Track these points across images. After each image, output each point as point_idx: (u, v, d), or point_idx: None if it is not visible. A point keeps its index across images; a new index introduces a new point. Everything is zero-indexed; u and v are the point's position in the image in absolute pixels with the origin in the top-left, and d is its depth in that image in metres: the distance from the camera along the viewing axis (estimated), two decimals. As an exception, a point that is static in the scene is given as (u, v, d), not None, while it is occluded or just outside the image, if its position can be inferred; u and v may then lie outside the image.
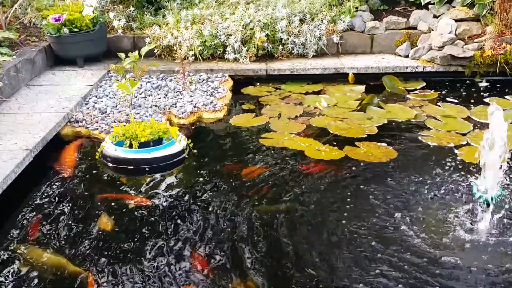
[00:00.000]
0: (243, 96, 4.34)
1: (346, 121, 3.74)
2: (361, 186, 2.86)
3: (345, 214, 2.60)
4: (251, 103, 4.17)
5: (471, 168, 2.98)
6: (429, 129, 3.58)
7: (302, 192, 2.82)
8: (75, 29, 4.37)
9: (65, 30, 4.33)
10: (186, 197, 2.80)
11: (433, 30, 4.58)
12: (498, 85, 4.34)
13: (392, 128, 3.63)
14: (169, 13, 4.80)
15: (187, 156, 3.23)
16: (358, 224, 2.51)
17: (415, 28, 4.77)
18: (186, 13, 4.73)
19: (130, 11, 4.88)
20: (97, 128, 3.52)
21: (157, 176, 3.06)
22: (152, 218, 2.61)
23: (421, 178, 2.92)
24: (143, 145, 3.15)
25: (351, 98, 4.16)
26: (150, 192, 2.85)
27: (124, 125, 3.33)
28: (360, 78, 4.50)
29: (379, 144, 3.37)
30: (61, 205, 2.73)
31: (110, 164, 3.14)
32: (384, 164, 3.11)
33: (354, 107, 4.00)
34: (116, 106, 3.81)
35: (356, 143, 3.39)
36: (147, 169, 3.11)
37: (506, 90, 4.23)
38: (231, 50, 4.58)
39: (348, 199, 2.73)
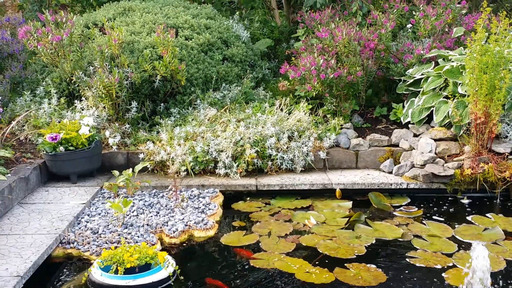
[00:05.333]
0: (234, 211, 4.42)
1: (335, 240, 3.81)
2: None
3: None
4: (241, 219, 4.24)
5: (459, 294, 3.03)
6: (416, 249, 3.65)
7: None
8: (71, 147, 4.52)
9: (61, 148, 4.48)
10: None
11: (414, 148, 4.82)
12: (479, 202, 4.50)
13: (380, 248, 3.70)
14: (163, 130, 5.01)
15: (172, 283, 3.22)
16: None
17: (397, 145, 5.02)
18: (179, 130, 4.94)
19: (126, 127, 5.09)
20: (88, 250, 3.53)
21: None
22: None
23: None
24: (129, 270, 3.16)
25: (339, 215, 4.26)
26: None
27: (116, 247, 3.36)
28: (347, 193, 4.64)
29: (368, 265, 3.41)
30: None
31: (97, 291, 3.12)
32: (375, 289, 3.14)
33: (342, 224, 4.08)
34: (108, 225, 3.86)
35: (346, 264, 3.43)
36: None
37: (487, 207, 4.39)
38: (222, 165, 4.74)
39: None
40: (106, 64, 5.03)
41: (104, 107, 5.10)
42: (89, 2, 7.36)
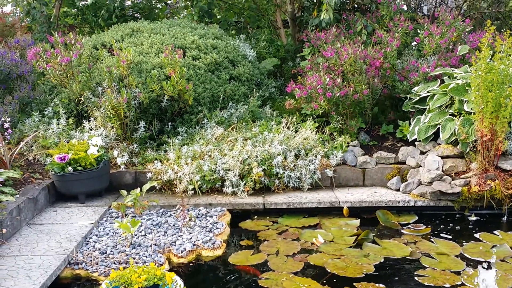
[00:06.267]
0: (241, 230, 4.42)
1: (343, 259, 3.80)
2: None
3: None
4: (249, 238, 4.24)
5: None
6: (424, 267, 3.63)
7: None
8: (80, 168, 4.56)
9: (70, 168, 4.51)
10: None
11: (421, 166, 4.83)
12: (487, 220, 4.48)
13: (388, 267, 3.68)
14: (170, 149, 5.05)
15: (181, 306, 3.22)
16: None
17: (404, 163, 5.02)
18: (187, 149, 4.97)
19: (133, 147, 5.13)
20: (97, 270, 3.54)
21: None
22: None
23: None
24: (137, 292, 3.16)
25: (347, 233, 4.25)
26: None
27: (124, 268, 3.37)
28: (354, 211, 4.64)
29: (377, 285, 3.40)
30: None
31: (106, 312, 3.12)
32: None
33: (350, 243, 4.07)
34: (116, 245, 3.87)
35: (354, 283, 3.42)
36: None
37: (494, 224, 4.37)
38: (230, 184, 4.76)
39: None
40: (114, 85, 5.09)
41: (112, 127, 5.15)
42: (98, 23, 7.47)
